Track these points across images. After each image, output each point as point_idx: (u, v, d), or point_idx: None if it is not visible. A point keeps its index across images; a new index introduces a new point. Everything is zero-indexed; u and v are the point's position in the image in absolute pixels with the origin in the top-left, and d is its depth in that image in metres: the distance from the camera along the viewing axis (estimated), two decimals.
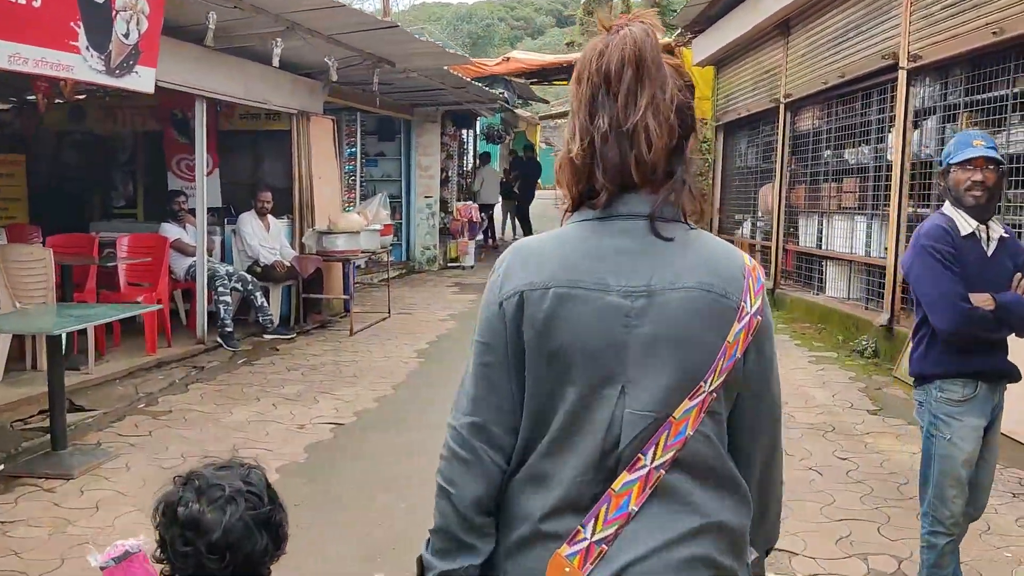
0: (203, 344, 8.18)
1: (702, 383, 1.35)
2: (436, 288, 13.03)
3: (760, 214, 12.22)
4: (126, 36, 6.08)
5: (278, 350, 8.41)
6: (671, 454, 1.34)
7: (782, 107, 10.67)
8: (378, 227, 9.72)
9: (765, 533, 1.55)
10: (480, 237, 17.08)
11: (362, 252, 9.45)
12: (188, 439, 5.51)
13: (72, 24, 5.58)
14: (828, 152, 9.73)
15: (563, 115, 23.34)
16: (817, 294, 10.01)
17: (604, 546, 1.34)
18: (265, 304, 8.86)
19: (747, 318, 1.38)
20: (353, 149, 13.16)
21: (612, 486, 1.35)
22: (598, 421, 1.36)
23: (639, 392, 1.35)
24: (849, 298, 9.43)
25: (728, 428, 1.43)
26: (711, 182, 14.03)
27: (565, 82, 19.70)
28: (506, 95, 14.28)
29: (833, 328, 8.96)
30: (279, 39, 7.68)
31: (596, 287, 1.37)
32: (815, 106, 10.09)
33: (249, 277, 8.80)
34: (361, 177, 13.53)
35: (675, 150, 1.41)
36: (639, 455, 1.34)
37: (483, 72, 14.02)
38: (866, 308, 8.60)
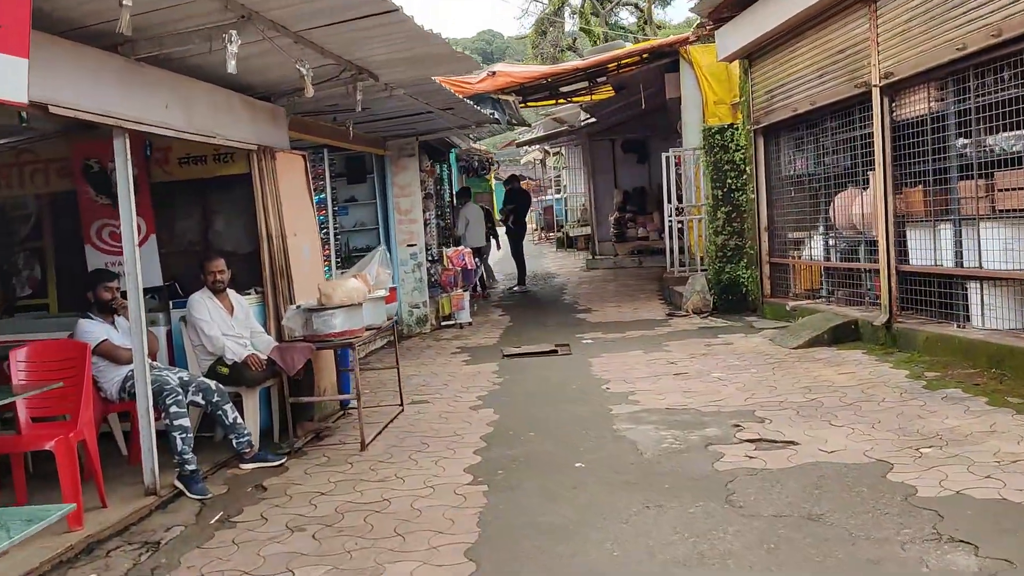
0: (155, 495, 5.51)
1: None
2: (440, 358, 10.44)
3: (838, 229, 9.90)
4: None
5: (266, 488, 5.77)
6: None
7: (876, 92, 8.38)
8: (383, 293, 7.16)
9: None
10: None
11: (367, 331, 6.86)
12: None
13: None
14: (963, 140, 7.45)
15: (544, 139, 20.96)
16: (962, 326, 7.68)
17: None
18: (239, 420, 6.22)
19: None
20: (322, 195, 10.58)
21: None
22: None
23: None
24: (1014, 328, 7.13)
25: None
26: (752, 197, 11.71)
27: (555, 100, 17.40)
28: (496, 116, 11.86)
29: (1018, 374, 6.61)
30: (233, 33, 5.14)
31: None
32: (932, 84, 7.81)
33: (212, 384, 6.18)
34: (334, 229, 10.92)
35: None
36: None
37: (466, 91, 11.59)
38: None
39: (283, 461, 6.29)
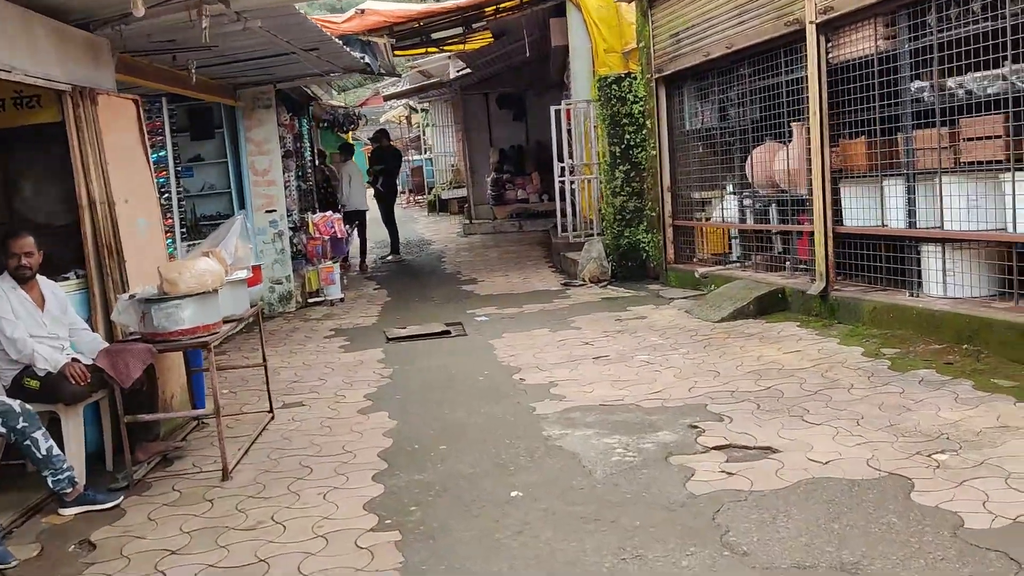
0: None
1: None
2: (312, 343, 8.95)
3: (755, 187, 8.96)
4: None
5: (95, 547, 4.26)
6: None
7: (812, 30, 7.38)
8: (244, 275, 5.65)
9: None
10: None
11: (226, 323, 5.35)
12: None
13: None
14: (920, 83, 6.54)
15: (414, 92, 19.37)
16: (915, 295, 6.83)
17: None
18: (55, 450, 4.64)
19: None
20: (162, 152, 8.82)
21: None
22: None
23: None
24: (981, 296, 6.32)
25: None
26: (653, 154, 10.66)
27: (426, 49, 15.85)
28: (368, 62, 10.32)
29: (995, 350, 5.77)
30: None
31: None
32: (880, 19, 6.86)
33: (14, 405, 4.57)
34: (177, 193, 9.18)
35: None
36: None
37: (332, 31, 9.99)
38: None
39: (118, 501, 4.75)
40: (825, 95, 7.41)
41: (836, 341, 6.84)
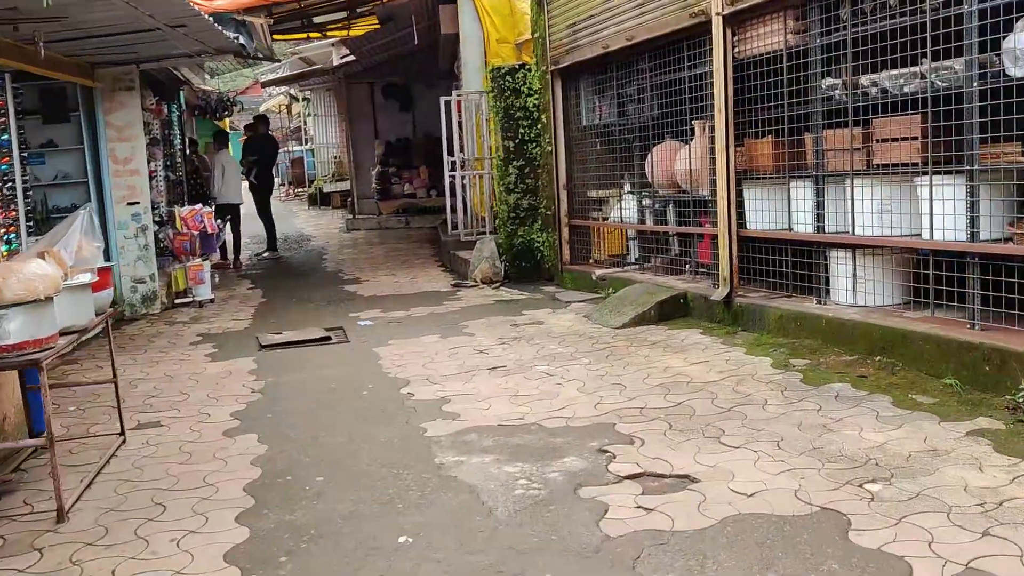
0: None
1: None
2: (176, 351, 8.10)
3: (655, 187, 8.59)
4: None
5: None
6: None
7: (718, 22, 7.02)
8: (87, 279, 4.85)
9: None
10: (216, 255, 12.10)
11: (63, 336, 4.55)
12: None
13: None
14: (831, 81, 6.24)
15: (293, 79, 18.37)
16: (822, 302, 6.54)
17: None
18: None
19: None
20: (4, 136, 7.81)
21: None
22: None
23: None
24: (893, 305, 6.08)
25: None
26: (549, 149, 10.20)
27: (307, 35, 14.97)
28: (243, 43, 9.49)
29: (910, 363, 5.50)
30: None
31: None
32: (790, 12, 6.54)
33: None
34: (24, 182, 8.16)
35: None
36: None
37: (202, 8, 9.11)
38: (973, 326, 5.24)
39: None
40: (731, 91, 7.07)
41: (743, 351, 6.49)
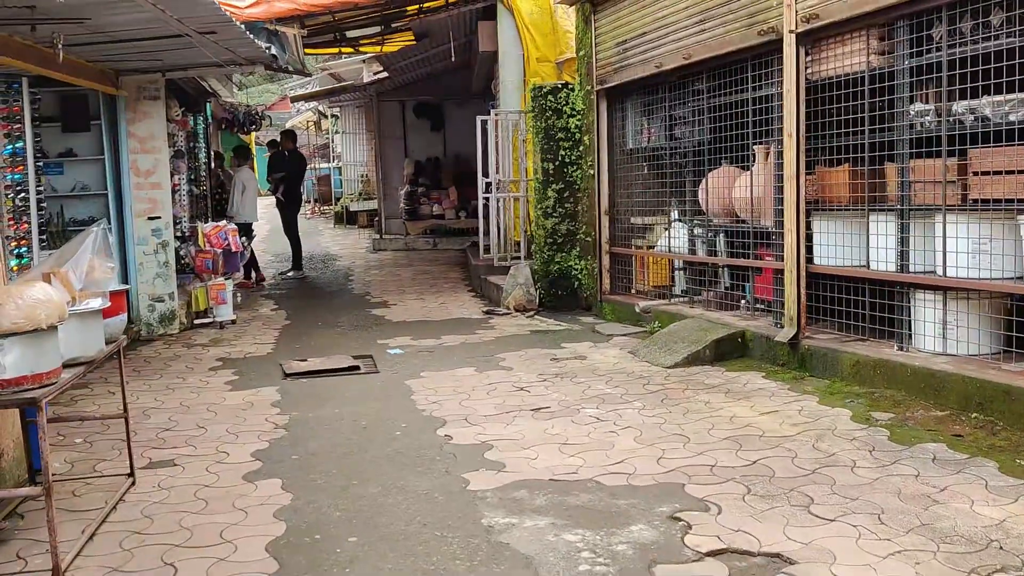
0: None
1: None
2: (194, 376, 7.57)
3: (709, 215, 8.03)
4: None
5: None
6: None
7: (791, 40, 6.47)
8: (97, 305, 4.32)
9: None
10: (239, 274, 11.59)
11: (69, 369, 4.02)
12: None
13: None
14: (921, 106, 5.67)
15: (324, 95, 17.94)
16: (903, 348, 5.94)
17: None
18: None
19: None
20: (20, 143, 7.34)
21: None
22: None
23: None
24: (988, 354, 5.47)
25: None
26: (591, 173, 9.66)
27: (339, 49, 14.54)
28: (275, 53, 9.03)
29: (1013, 422, 4.89)
30: None
31: None
32: (873, 31, 5.99)
33: None
34: (37, 193, 7.68)
35: None
36: None
37: (234, 16, 8.66)
38: None
39: None
40: (803, 115, 6.50)
41: (815, 400, 5.89)
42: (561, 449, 5.16)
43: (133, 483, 4.88)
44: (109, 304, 4.37)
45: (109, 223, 9.19)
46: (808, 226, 6.64)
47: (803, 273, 6.60)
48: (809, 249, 6.66)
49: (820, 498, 4.22)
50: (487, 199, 11.40)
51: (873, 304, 6.19)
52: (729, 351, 7.18)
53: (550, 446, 5.23)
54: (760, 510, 4.11)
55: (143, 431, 5.88)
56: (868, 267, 6.21)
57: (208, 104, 13.10)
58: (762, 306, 7.54)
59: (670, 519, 4.07)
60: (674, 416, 5.72)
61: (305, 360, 7.90)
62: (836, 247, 6.46)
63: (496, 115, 11.36)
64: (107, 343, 4.60)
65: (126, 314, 4.80)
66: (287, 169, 13.74)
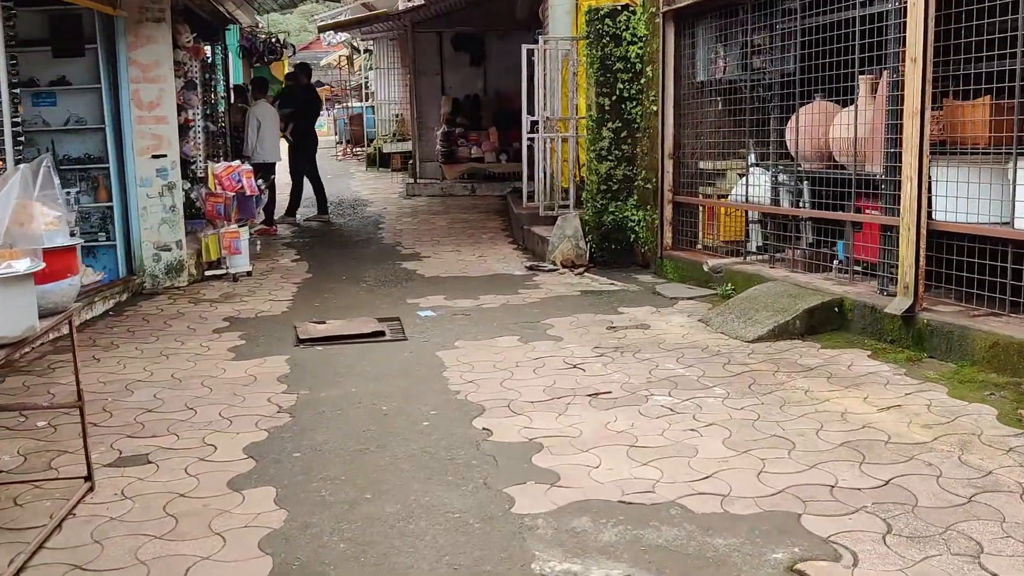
0: None
1: None
2: (194, 340, 6.56)
3: (797, 159, 6.79)
4: None
5: None
6: None
7: None
8: (23, 267, 3.25)
9: None
10: (260, 219, 10.55)
11: None
12: None
13: None
14: None
15: (354, 24, 16.72)
16: None
17: None
18: None
19: None
20: None
21: None
22: None
23: None
24: None
25: None
26: (654, 109, 8.42)
27: None
28: None
29: None
30: None
31: None
32: None
33: None
34: (14, 126, 6.61)
35: None
36: None
37: None
38: None
39: None
40: (931, 32, 5.22)
41: (944, 391, 4.73)
42: (630, 454, 4.07)
43: (91, 489, 3.87)
44: (42, 266, 3.30)
45: (106, 165, 8.16)
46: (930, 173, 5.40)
47: (923, 231, 5.38)
48: (930, 202, 5.44)
49: (990, 543, 3.10)
50: (532, 140, 10.17)
51: (1017, 272, 4.97)
52: (823, 322, 6.01)
53: (616, 448, 4.14)
54: (912, 560, 3.00)
55: (121, 412, 4.88)
56: (1012, 225, 4.97)
57: (227, 32, 11.95)
58: (861, 269, 6.34)
59: (789, 571, 2.97)
60: (768, 410, 4.59)
61: (323, 323, 6.86)
62: (968, 199, 5.23)
63: (544, 43, 10.09)
64: (51, 315, 3.56)
65: (78, 277, 3.73)
66: (295, 105, 12.50)
